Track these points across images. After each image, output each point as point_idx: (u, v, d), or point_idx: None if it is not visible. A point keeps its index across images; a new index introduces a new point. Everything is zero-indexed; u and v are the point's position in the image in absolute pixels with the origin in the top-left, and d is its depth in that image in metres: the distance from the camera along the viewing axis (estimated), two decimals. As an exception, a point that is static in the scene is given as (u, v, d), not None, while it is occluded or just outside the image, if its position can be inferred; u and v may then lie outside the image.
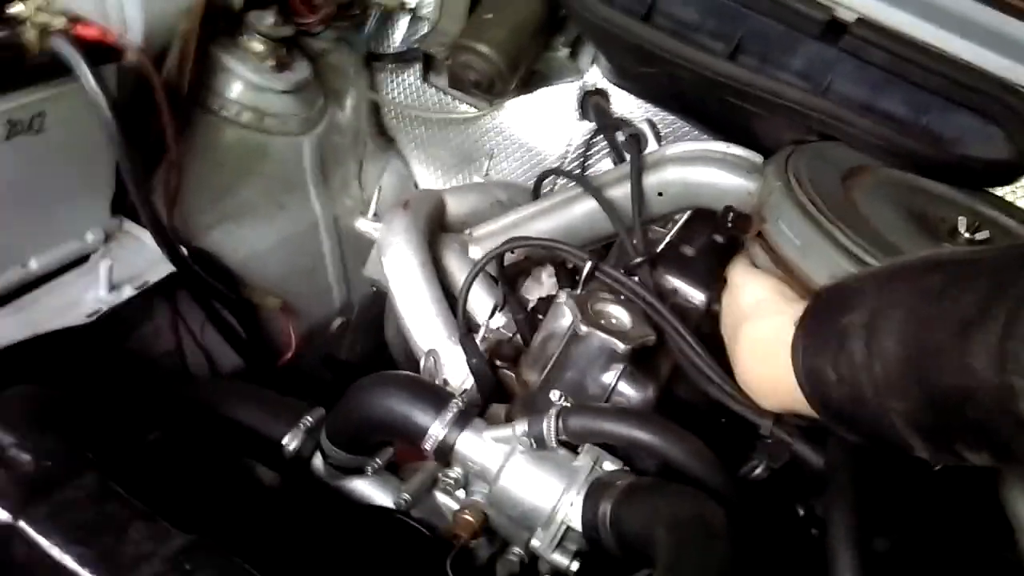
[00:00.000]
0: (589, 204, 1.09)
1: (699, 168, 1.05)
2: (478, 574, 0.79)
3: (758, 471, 0.79)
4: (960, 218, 0.84)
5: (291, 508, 0.89)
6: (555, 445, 0.74)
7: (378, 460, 0.85)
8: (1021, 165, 0.98)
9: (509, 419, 0.84)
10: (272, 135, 1.27)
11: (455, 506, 0.80)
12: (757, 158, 1.04)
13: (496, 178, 1.47)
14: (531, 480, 0.74)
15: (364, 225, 1.12)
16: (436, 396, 0.79)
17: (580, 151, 1.40)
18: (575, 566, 0.72)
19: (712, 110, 1.15)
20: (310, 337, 1.39)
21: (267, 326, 1.30)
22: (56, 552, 0.58)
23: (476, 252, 1.11)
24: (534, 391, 0.85)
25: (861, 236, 0.77)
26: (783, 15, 1.02)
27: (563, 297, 0.86)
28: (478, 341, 0.94)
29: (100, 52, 0.96)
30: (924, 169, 0.98)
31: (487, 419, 0.81)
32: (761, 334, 0.73)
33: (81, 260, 1.09)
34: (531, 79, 1.37)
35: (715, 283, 0.91)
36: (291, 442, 0.84)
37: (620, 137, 1.29)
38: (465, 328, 0.94)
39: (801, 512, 0.79)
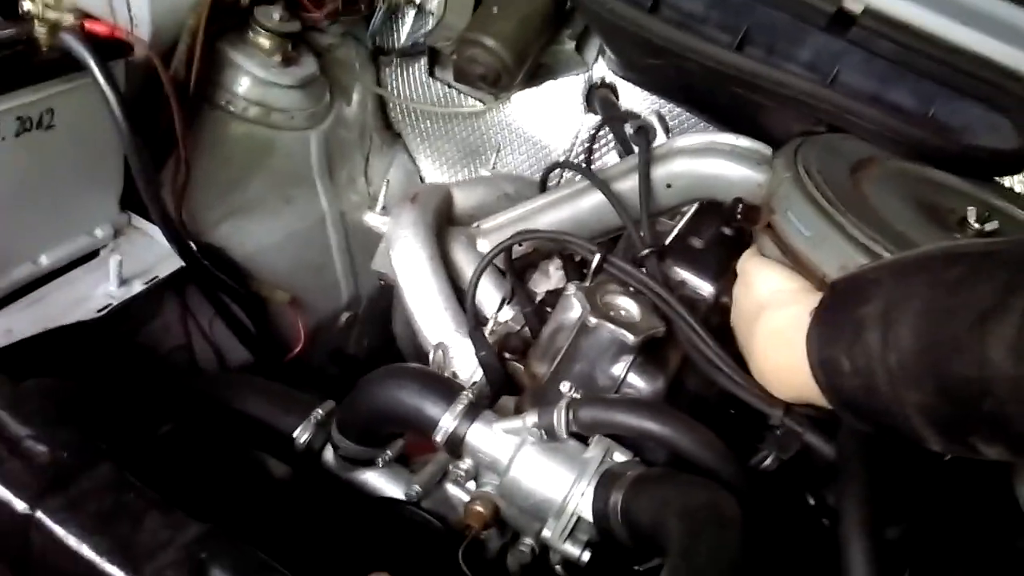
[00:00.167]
0: (597, 197, 1.09)
1: (708, 160, 1.05)
2: (489, 565, 0.80)
3: (768, 462, 0.79)
4: (969, 208, 0.84)
5: (303, 500, 0.90)
6: (565, 436, 0.75)
7: (389, 452, 0.86)
8: (1030, 155, 0.98)
9: (519, 411, 0.84)
10: (279, 130, 1.28)
11: (466, 497, 0.80)
12: (766, 150, 1.04)
13: (503, 172, 1.47)
14: (542, 471, 0.75)
15: (372, 219, 1.12)
16: (446, 388, 0.79)
17: (587, 144, 1.40)
18: (586, 556, 0.72)
19: (720, 102, 1.15)
20: (318, 331, 1.40)
21: (276, 320, 1.31)
22: (73, 541, 0.58)
23: (484, 245, 1.11)
24: (543, 383, 0.86)
25: (871, 227, 0.77)
26: (790, 6, 1.02)
27: (572, 289, 0.86)
28: (487, 334, 0.94)
29: (109, 48, 0.96)
30: (933, 160, 0.98)
31: (497, 411, 0.81)
32: (778, 324, 0.73)
33: (91, 255, 1.09)
34: (537, 72, 1.37)
35: (724, 275, 0.91)
36: (302, 435, 0.85)
37: (628, 130, 1.29)
38: (474, 321, 0.95)
39: (812, 502, 0.79)
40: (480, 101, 1.45)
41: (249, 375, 1.22)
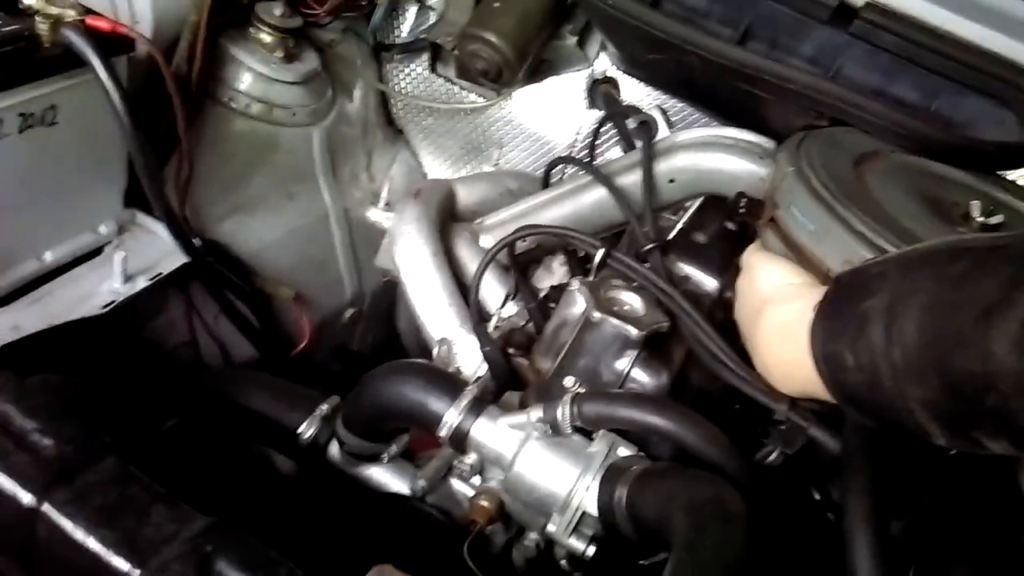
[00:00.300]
0: (599, 192, 1.09)
1: (710, 154, 1.05)
2: (494, 559, 0.80)
3: (773, 456, 0.79)
4: (973, 202, 0.84)
5: (308, 495, 0.90)
6: (570, 431, 0.75)
7: (394, 447, 0.86)
8: (1033, 148, 0.97)
9: (523, 406, 0.84)
10: (281, 126, 1.27)
11: (471, 492, 0.80)
12: (769, 144, 1.04)
13: (506, 167, 1.47)
14: (547, 466, 0.75)
15: (375, 215, 1.12)
16: (451, 383, 0.79)
17: (589, 139, 1.40)
18: (591, 551, 0.72)
19: (722, 96, 1.14)
20: (322, 327, 1.40)
21: (280, 316, 1.31)
22: (79, 534, 0.59)
23: (487, 241, 1.11)
24: (548, 378, 0.86)
25: (874, 221, 0.77)
26: (792, 0, 1.02)
27: (575, 284, 0.86)
28: (490, 329, 0.95)
29: (111, 44, 0.96)
30: (936, 153, 0.98)
31: (501, 407, 0.81)
32: (781, 318, 0.73)
33: (95, 252, 1.09)
34: (539, 68, 1.36)
35: (727, 270, 0.91)
36: (307, 430, 0.85)
37: (630, 125, 1.29)
38: (477, 317, 0.95)
39: (817, 497, 0.79)
40: (482, 97, 1.44)
41: (254, 371, 1.22)
